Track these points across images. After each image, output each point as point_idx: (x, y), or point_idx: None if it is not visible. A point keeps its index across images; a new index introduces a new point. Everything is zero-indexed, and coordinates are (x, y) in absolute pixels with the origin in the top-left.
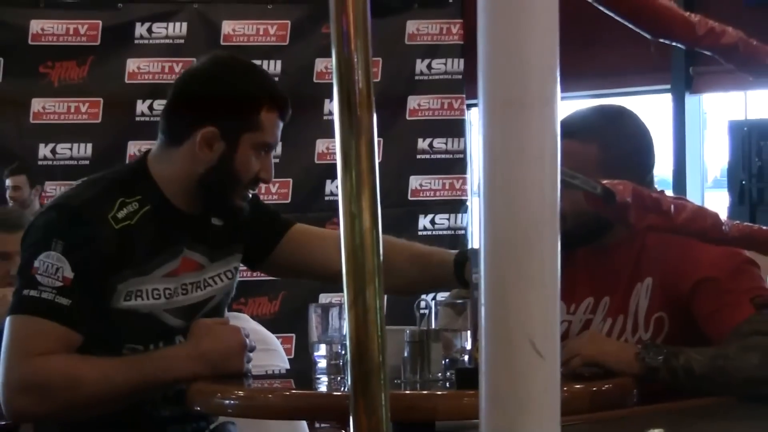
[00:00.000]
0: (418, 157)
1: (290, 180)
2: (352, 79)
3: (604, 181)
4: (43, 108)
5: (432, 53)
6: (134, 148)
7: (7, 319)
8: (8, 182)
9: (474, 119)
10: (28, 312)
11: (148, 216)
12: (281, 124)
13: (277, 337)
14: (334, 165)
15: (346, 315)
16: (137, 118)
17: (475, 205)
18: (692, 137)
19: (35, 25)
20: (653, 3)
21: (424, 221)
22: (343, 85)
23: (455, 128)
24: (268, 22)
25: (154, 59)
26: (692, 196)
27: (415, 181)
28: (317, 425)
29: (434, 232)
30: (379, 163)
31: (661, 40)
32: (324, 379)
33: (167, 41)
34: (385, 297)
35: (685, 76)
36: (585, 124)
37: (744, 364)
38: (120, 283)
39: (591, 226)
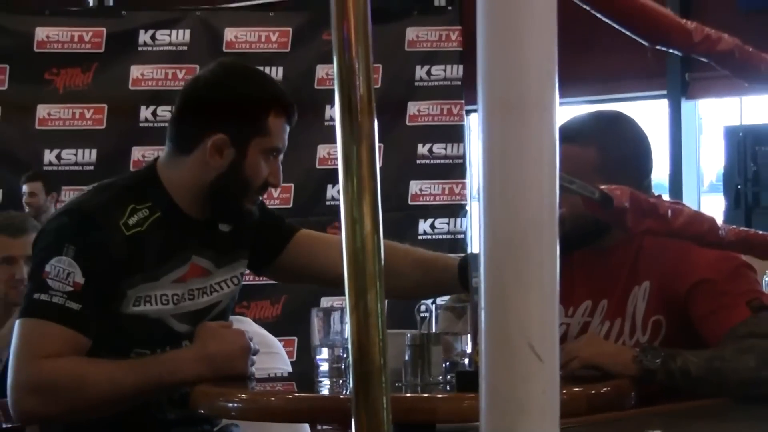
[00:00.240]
0: (418, 162)
1: (292, 185)
2: (354, 85)
3: (602, 186)
4: (49, 114)
5: (431, 59)
6: (138, 153)
7: (17, 322)
8: (24, 188)
9: (473, 124)
10: (38, 315)
11: (158, 222)
12: (288, 129)
13: (279, 340)
14: (335, 170)
15: (347, 318)
16: (141, 124)
17: (474, 209)
18: (688, 142)
19: (40, 33)
20: (650, 10)
21: (423, 225)
22: (345, 91)
23: (454, 133)
24: (270, 29)
25: (157, 66)
26: (688, 200)
27: (415, 186)
28: (319, 427)
29: (434, 236)
30: (380, 168)
31: (658, 47)
32: (326, 382)
33: (170, 48)
34: (386, 301)
35: (681, 81)
36: (583, 128)
37: (740, 366)
38: (130, 288)
39: (589, 229)
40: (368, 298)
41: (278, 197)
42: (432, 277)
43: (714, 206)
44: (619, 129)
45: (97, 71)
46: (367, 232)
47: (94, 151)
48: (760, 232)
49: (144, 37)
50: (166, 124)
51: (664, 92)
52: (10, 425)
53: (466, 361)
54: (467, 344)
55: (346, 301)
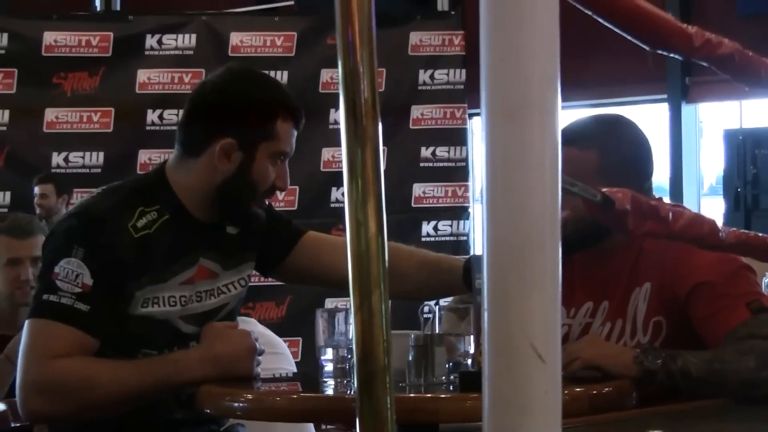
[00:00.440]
0: (421, 164)
1: (296, 187)
2: (358, 89)
3: (604, 189)
4: (57, 117)
5: (434, 64)
6: (145, 156)
7: (26, 323)
8: (36, 190)
9: (475, 128)
10: (47, 316)
11: (167, 225)
12: (295, 133)
13: (284, 341)
14: (340, 173)
15: (352, 319)
16: (147, 127)
17: (477, 211)
18: (688, 146)
19: (48, 37)
20: (651, 15)
21: (427, 227)
22: (349, 95)
23: (457, 137)
24: (275, 33)
25: (163, 70)
26: (688, 203)
27: (418, 189)
28: (323, 427)
29: (437, 238)
30: (384, 171)
31: (659, 51)
32: (330, 382)
33: (176, 52)
34: (390, 302)
35: (682, 86)
36: (585, 131)
37: (740, 366)
38: (138, 290)
39: (590, 232)
40: (372, 300)
41: (283, 199)
42: (436, 278)
43: (714, 209)
44: (620, 132)
45: (105, 75)
46: (371, 234)
47: (101, 154)
48: (760, 234)
49: (150, 41)
50: (173, 128)
51: (665, 96)
52: (19, 424)
53: (469, 361)
54: (470, 345)
55: (350, 302)
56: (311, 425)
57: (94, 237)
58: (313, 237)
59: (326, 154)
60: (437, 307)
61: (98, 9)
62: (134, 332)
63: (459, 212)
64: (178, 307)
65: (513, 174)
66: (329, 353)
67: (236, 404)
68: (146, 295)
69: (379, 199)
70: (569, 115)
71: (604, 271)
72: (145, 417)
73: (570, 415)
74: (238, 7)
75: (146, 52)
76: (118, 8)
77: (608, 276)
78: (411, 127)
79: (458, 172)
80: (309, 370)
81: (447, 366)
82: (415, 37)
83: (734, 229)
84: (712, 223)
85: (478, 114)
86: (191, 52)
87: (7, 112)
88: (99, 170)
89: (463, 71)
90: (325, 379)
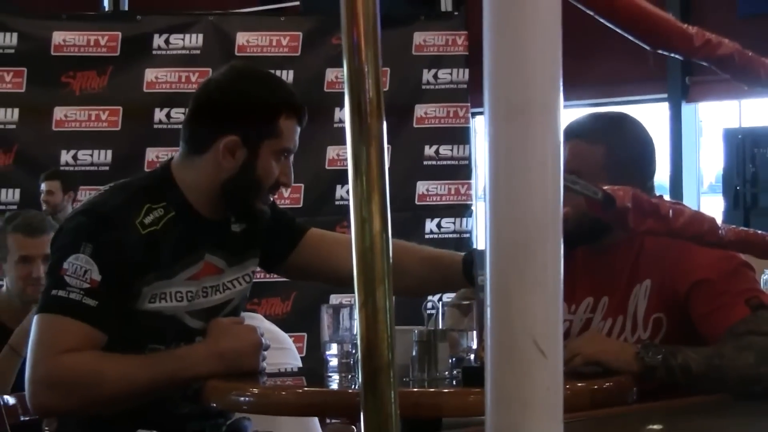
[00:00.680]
0: (425, 163)
1: (302, 185)
2: (363, 88)
3: (605, 187)
4: (65, 116)
5: (438, 63)
6: (152, 154)
7: (35, 318)
8: (43, 186)
9: (478, 127)
10: (56, 311)
11: (173, 221)
12: (299, 130)
13: (290, 336)
14: (344, 171)
15: (356, 315)
16: (155, 126)
17: (480, 209)
18: (688, 144)
19: (57, 37)
20: (652, 15)
21: (430, 225)
22: (354, 95)
23: (460, 135)
24: (281, 33)
25: (171, 69)
26: (688, 201)
27: (421, 186)
28: (328, 421)
29: (440, 236)
30: (388, 169)
31: (660, 51)
32: (335, 377)
33: (184, 52)
34: (394, 298)
35: (682, 85)
36: (593, 126)
37: (739, 363)
38: (145, 286)
39: (592, 227)
40: (377, 296)
41: (288, 197)
42: (438, 273)
43: (713, 207)
44: (628, 130)
45: (113, 74)
46: (375, 231)
47: (109, 152)
48: (759, 231)
49: (158, 41)
50: (180, 126)
51: (665, 95)
52: (28, 418)
53: (472, 356)
54: (473, 340)
55: (355, 298)
56: (316, 419)
57: (102, 234)
58: (316, 234)
59: (331, 152)
60: (441, 303)
61: (107, 9)
62: (142, 327)
63: (462, 210)
64: (185, 303)
65: (515, 172)
66: (334, 348)
67: (242, 399)
68: (153, 291)
69: (383, 197)
70: (570, 114)
71: (605, 268)
72: (151, 411)
73: (571, 410)
74: (244, 8)
75: (154, 52)
76: (127, 8)
77: (609, 272)
78: (415, 125)
79: (461, 171)
80: (314, 366)
81: (450, 361)
82: (418, 38)
83: (733, 226)
84: (712, 220)
85: (481, 113)
86: (198, 52)
87: (16, 111)
88: (107, 168)
89: (466, 71)
90: (329, 374)
